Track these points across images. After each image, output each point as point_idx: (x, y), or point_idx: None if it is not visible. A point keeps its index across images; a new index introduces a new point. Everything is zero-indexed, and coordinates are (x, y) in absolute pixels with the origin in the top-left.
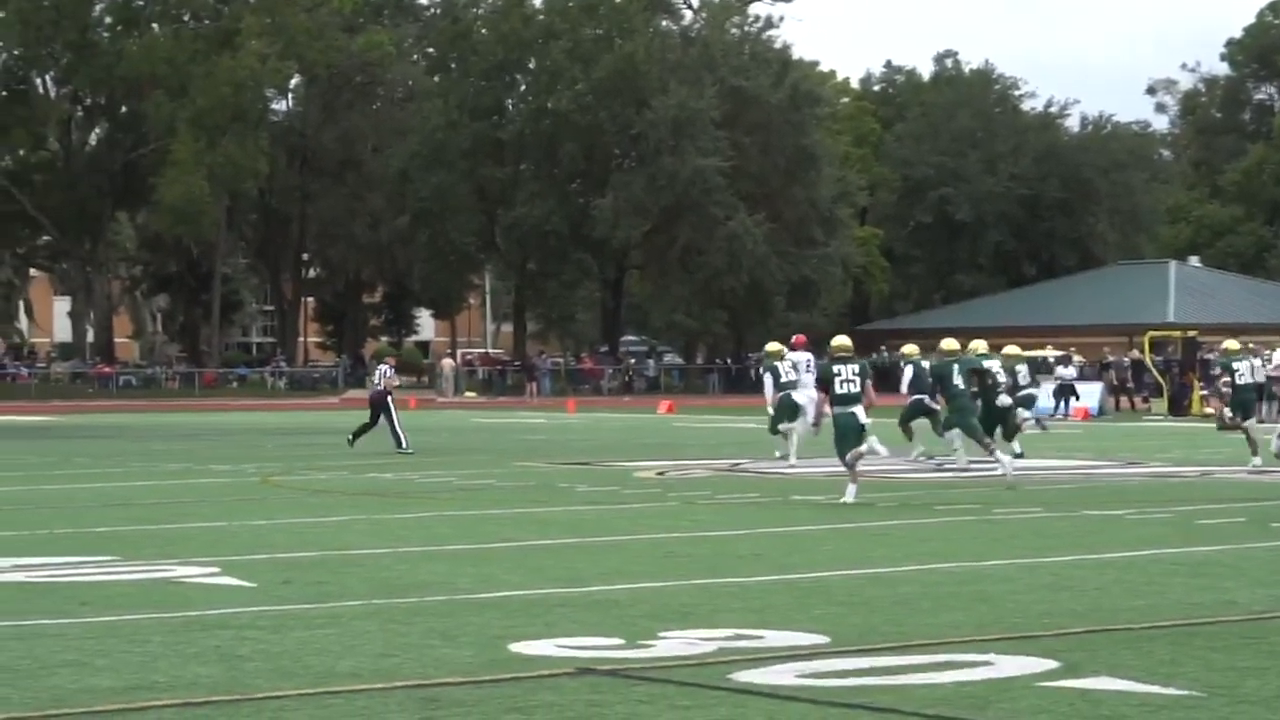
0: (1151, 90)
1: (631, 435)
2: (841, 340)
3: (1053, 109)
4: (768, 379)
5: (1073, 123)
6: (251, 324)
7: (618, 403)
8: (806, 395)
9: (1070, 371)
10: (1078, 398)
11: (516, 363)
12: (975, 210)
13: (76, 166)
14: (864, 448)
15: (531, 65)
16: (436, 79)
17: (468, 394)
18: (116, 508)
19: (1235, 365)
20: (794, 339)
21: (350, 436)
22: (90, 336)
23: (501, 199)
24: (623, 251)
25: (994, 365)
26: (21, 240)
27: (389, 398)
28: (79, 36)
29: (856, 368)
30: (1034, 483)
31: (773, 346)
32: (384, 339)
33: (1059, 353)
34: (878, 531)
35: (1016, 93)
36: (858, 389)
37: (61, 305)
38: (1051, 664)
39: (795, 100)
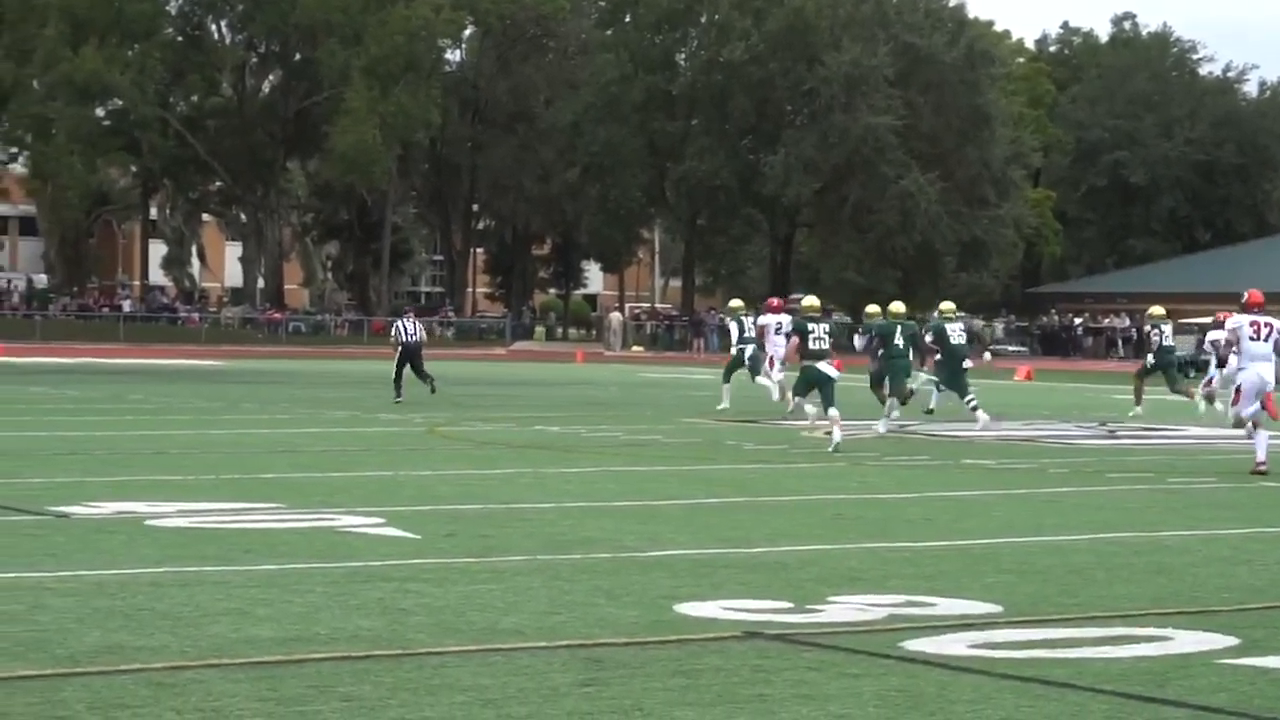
0: None
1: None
2: (812, 301)
3: (1231, 74)
4: (733, 328)
5: (1251, 88)
6: (420, 273)
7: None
8: (778, 353)
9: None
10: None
11: (684, 318)
12: (1150, 174)
13: (250, 113)
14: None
15: (702, 20)
16: (609, 32)
17: (634, 348)
18: (283, 454)
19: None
20: (770, 301)
21: (431, 383)
22: (261, 282)
23: (672, 153)
24: (793, 208)
25: (957, 328)
26: (194, 185)
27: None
28: None
29: (827, 327)
30: (1210, 453)
31: (735, 303)
32: (552, 291)
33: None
34: (1049, 499)
35: (1194, 56)
36: (827, 346)
37: (233, 251)
38: (1231, 640)
39: (970, 60)
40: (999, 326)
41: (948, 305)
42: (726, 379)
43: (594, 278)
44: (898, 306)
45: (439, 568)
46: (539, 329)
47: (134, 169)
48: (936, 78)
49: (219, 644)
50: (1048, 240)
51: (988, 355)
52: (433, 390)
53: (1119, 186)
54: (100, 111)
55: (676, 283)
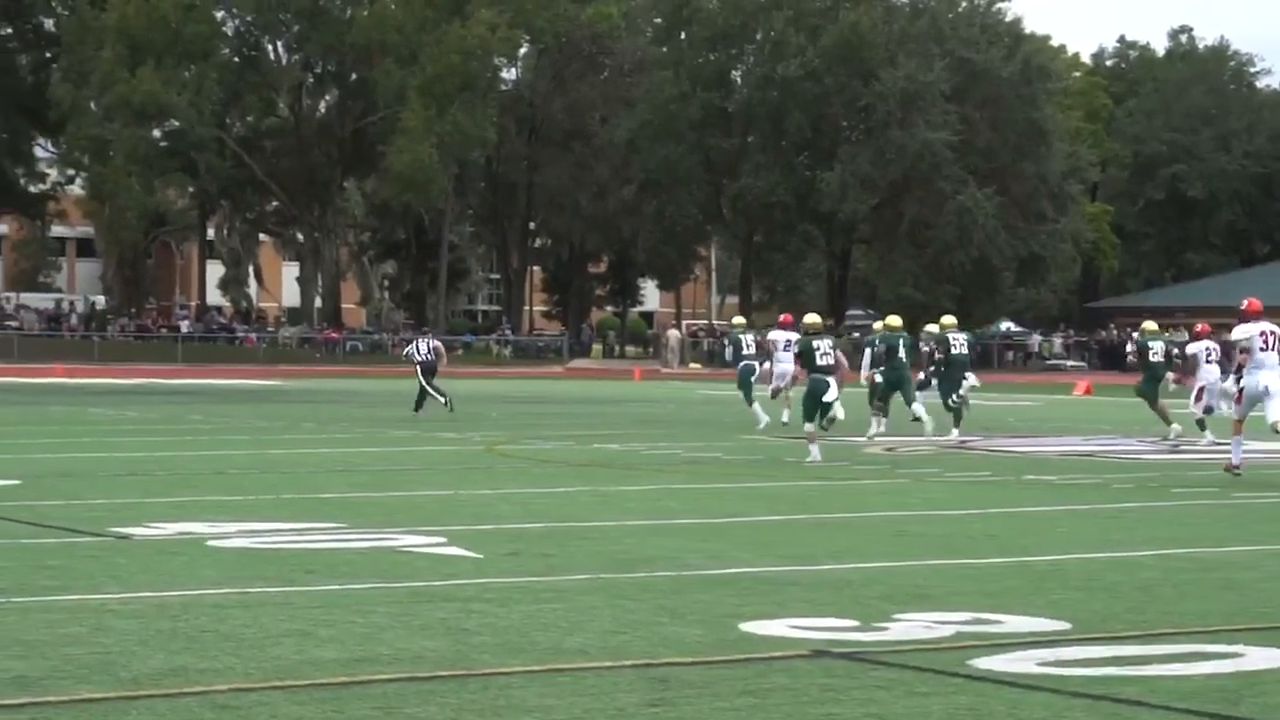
0: None
1: (858, 410)
2: (814, 319)
3: None
4: (729, 352)
5: None
6: (477, 292)
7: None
8: (782, 368)
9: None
10: None
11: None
12: (1208, 188)
13: (307, 133)
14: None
15: (758, 36)
16: (664, 49)
17: (692, 365)
18: (342, 474)
19: (1151, 344)
20: (781, 317)
21: (441, 399)
22: (318, 302)
23: (728, 170)
24: (850, 224)
25: (961, 338)
26: (251, 206)
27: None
28: (311, 3)
29: (831, 342)
30: (1271, 468)
31: (738, 319)
32: (609, 309)
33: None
34: (1113, 514)
35: (1252, 69)
36: (833, 361)
37: (290, 270)
38: None
39: (1027, 74)
40: (1057, 341)
41: (949, 319)
42: (749, 400)
43: (650, 295)
44: (895, 320)
45: (502, 587)
46: (596, 347)
47: (191, 190)
48: (993, 93)
49: (283, 666)
50: (1105, 254)
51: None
52: (424, 405)
53: (1177, 200)
54: (157, 133)
55: (733, 299)
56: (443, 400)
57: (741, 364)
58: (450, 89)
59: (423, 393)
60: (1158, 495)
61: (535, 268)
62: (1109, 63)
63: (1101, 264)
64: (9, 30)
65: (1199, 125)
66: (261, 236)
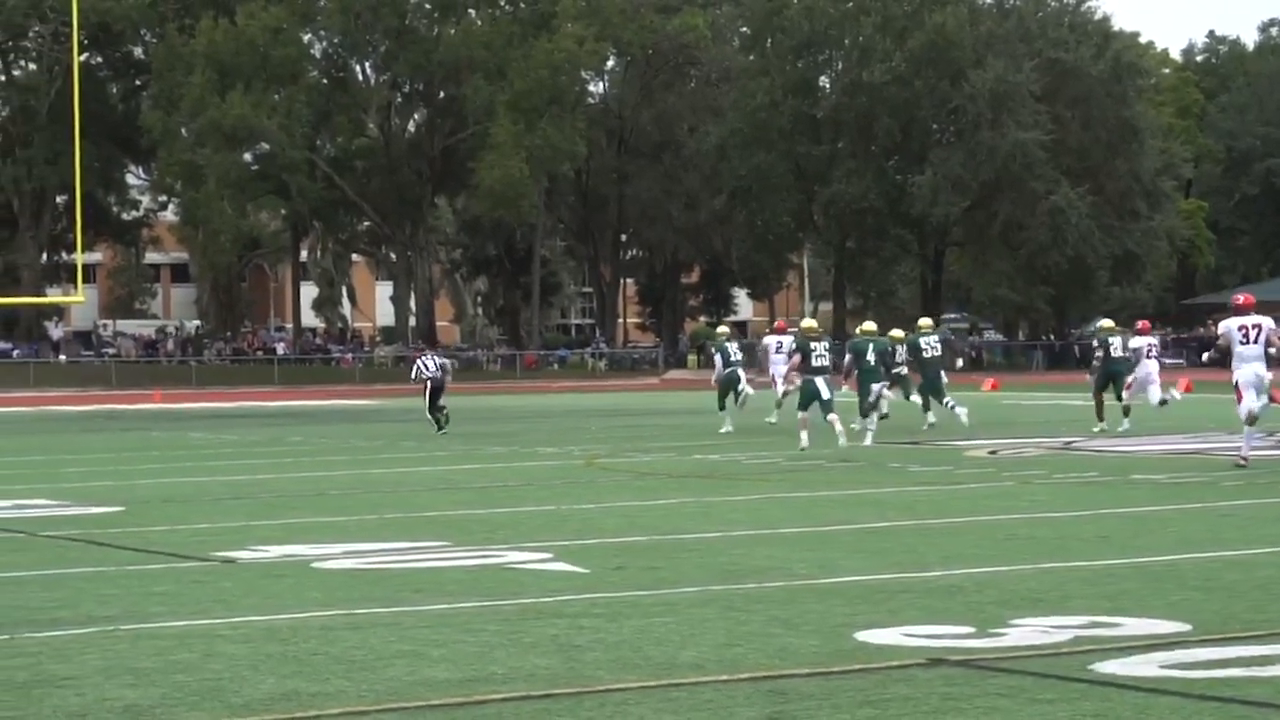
0: None
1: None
2: (810, 322)
3: None
4: (718, 359)
5: None
6: (570, 305)
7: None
8: (776, 370)
9: None
10: None
11: (836, 341)
12: None
13: (396, 152)
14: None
15: (845, 43)
16: (751, 58)
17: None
18: (444, 491)
19: (1110, 340)
20: (775, 324)
21: (436, 423)
22: (412, 320)
23: (818, 177)
24: (943, 227)
25: (931, 341)
26: (343, 226)
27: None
28: (398, 23)
29: (826, 344)
30: None
31: (722, 329)
32: (703, 319)
33: None
34: (1225, 512)
35: None
36: (827, 363)
37: (383, 290)
38: None
39: (1117, 72)
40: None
41: (925, 321)
42: (721, 406)
43: (743, 304)
44: (869, 325)
45: (611, 602)
46: (691, 357)
47: (283, 212)
48: (1083, 91)
49: (395, 687)
50: (1201, 251)
51: (959, 363)
52: (440, 428)
53: (1272, 195)
54: (248, 156)
55: (826, 306)
56: (437, 429)
57: (727, 370)
58: (538, 103)
59: (432, 409)
60: (1268, 492)
61: (627, 280)
62: (1199, 58)
63: (1197, 260)
64: (99, 59)
65: None
66: (354, 257)
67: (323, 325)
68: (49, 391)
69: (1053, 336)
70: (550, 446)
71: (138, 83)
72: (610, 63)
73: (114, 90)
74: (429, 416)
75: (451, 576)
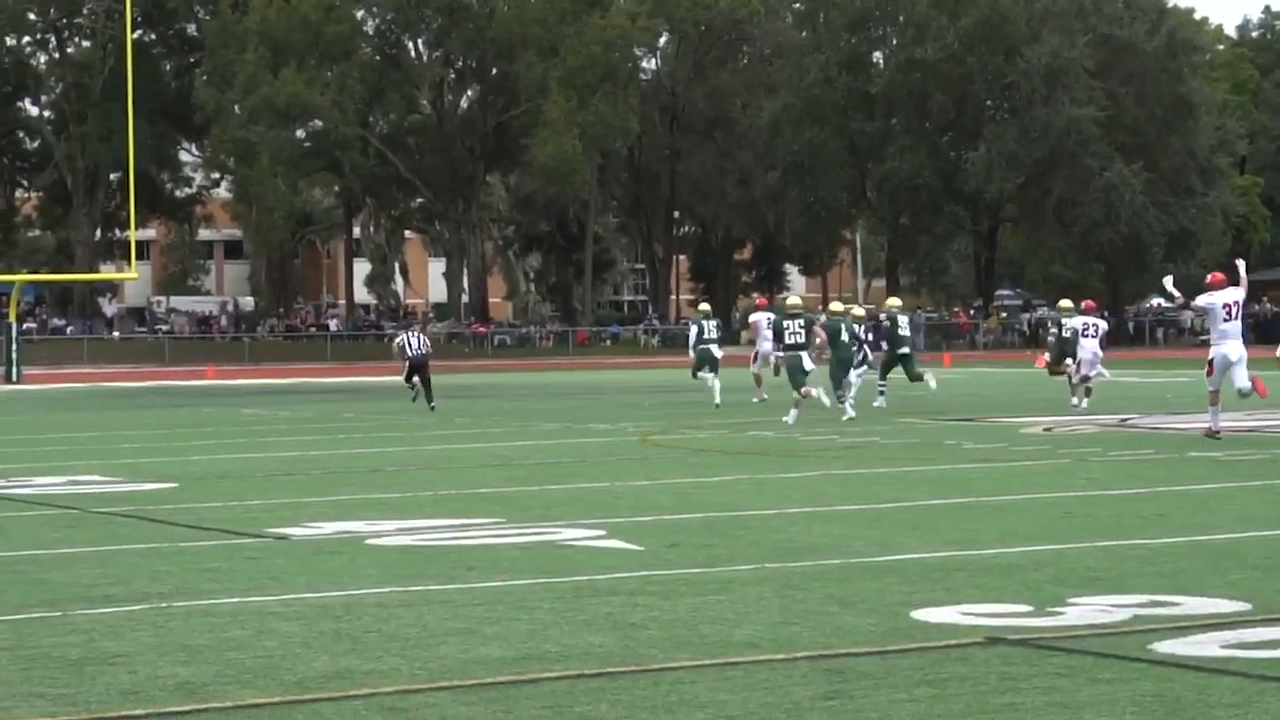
0: None
1: (1012, 390)
2: (793, 299)
3: None
4: (693, 331)
5: None
6: (623, 282)
7: (993, 356)
8: (764, 346)
9: None
10: None
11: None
12: None
13: (449, 129)
14: (813, 392)
15: (900, 19)
16: (804, 34)
17: None
18: (498, 468)
19: (1064, 320)
20: (758, 300)
21: (422, 397)
22: (465, 297)
23: (872, 153)
24: (996, 204)
25: (904, 320)
26: (396, 203)
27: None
28: (451, 0)
29: (803, 322)
30: None
31: (704, 306)
32: (754, 295)
33: None
34: None
35: None
36: (804, 339)
37: (436, 266)
38: None
39: (1171, 48)
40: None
41: (894, 301)
42: (695, 374)
43: (795, 281)
44: (837, 306)
45: (666, 579)
46: (744, 334)
47: (336, 189)
48: (1138, 67)
49: (448, 666)
50: (1256, 228)
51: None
52: (418, 397)
53: None
54: (301, 133)
55: (879, 283)
56: (415, 397)
57: (701, 347)
58: (591, 80)
59: (415, 385)
60: None
61: (680, 256)
62: (1254, 34)
63: (1252, 237)
64: (153, 36)
65: None
66: (407, 233)
67: (375, 301)
68: (103, 368)
69: (1107, 313)
70: (604, 423)
71: (191, 60)
72: (663, 39)
73: (167, 67)
74: (406, 384)
75: (505, 554)
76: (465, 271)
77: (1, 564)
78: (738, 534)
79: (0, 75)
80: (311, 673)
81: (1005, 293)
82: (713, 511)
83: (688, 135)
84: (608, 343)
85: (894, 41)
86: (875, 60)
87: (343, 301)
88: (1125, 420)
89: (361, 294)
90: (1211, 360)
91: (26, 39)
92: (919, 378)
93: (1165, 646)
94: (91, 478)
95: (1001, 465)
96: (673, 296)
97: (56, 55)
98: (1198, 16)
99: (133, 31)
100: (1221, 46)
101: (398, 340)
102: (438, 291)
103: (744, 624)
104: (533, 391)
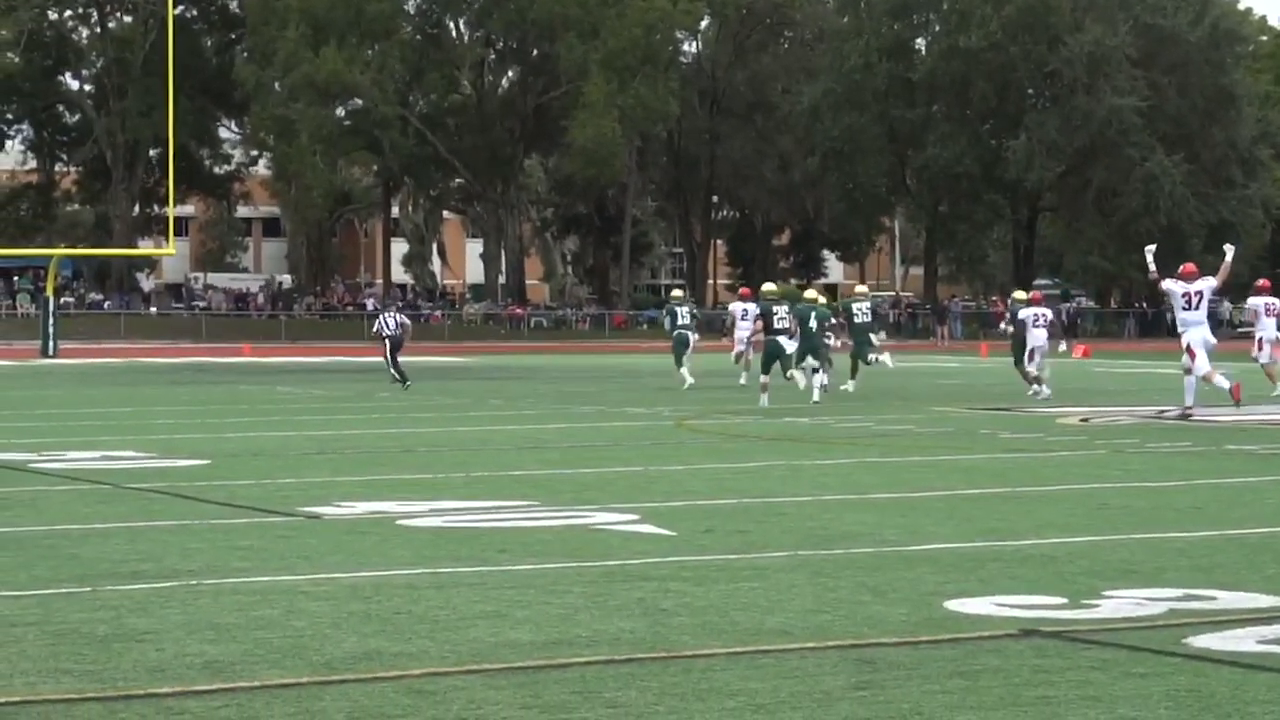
0: None
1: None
2: (770, 286)
3: None
4: (667, 321)
5: None
6: (660, 266)
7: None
8: (740, 334)
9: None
10: None
11: (927, 306)
12: None
13: (489, 110)
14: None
15: (944, 7)
16: (845, 19)
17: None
18: (531, 451)
19: (1018, 310)
20: (740, 290)
21: (399, 379)
22: (502, 278)
23: (912, 140)
24: (1036, 193)
25: (863, 307)
26: (435, 183)
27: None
28: None
29: (786, 308)
30: None
31: (676, 293)
32: (793, 281)
33: None
34: None
35: None
36: (789, 325)
37: (474, 247)
38: None
39: (1214, 38)
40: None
41: (861, 289)
42: (679, 364)
43: (833, 267)
44: (810, 293)
45: (698, 565)
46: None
47: (375, 168)
48: (1180, 58)
49: (478, 648)
50: None
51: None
52: (402, 383)
53: None
54: (341, 112)
55: (916, 270)
56: (399, 380)
57: (676, 332)
58: (632, 62)
59: (402, 372)
60: None
61: (718, 241)
62: None
63: None
64: (194, 12)
65: None
66: (445, 214)
67: (412, 281)
68: (139, 343)
69: (1145, 304)
70: (639, 407)
71: (232, 36)
72: (704, 22)
73: (208, 44)
74: (391, 372)
75: (538, 537)
76: (503, 253)
77: (32, 538)
78: (772, 520)
79: (41, 49)
80: (340, 653)
81: (1044, 282)
82: (747, 498)
83: (727, 119)
84: (644, 326)
85: (936, 28)
86: (917, 47)
87: (380, 280)
88: (1162, 412)
89: (399, 273)
90: (1189, 345)
91: (68, 13)
92: (865, 359)
93: (1200, 641)
94: (125, 453)
95: (1037, 455)
96: (710, 281)
97: (98, 29)
98: (1241, 7)
99: (174, 7)
100: (1265, 38)
101: (376, 324)
102: (475, 272)
103: (776, 611)
104: (569, 374)
